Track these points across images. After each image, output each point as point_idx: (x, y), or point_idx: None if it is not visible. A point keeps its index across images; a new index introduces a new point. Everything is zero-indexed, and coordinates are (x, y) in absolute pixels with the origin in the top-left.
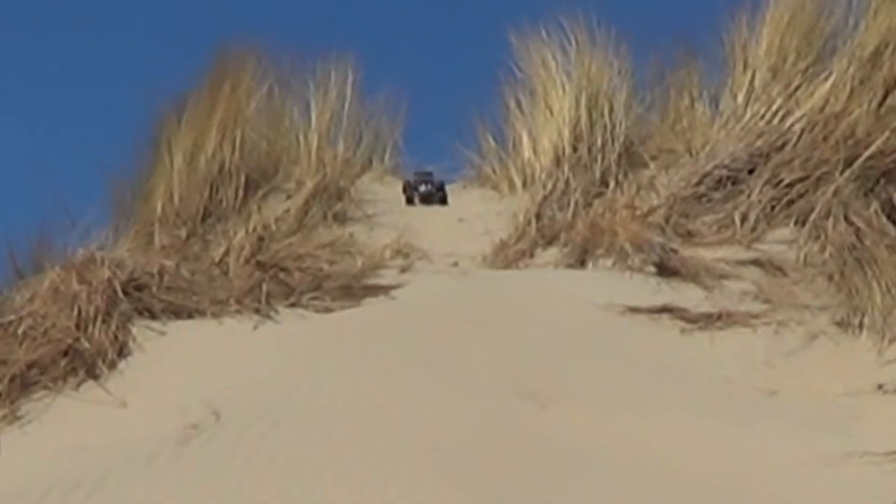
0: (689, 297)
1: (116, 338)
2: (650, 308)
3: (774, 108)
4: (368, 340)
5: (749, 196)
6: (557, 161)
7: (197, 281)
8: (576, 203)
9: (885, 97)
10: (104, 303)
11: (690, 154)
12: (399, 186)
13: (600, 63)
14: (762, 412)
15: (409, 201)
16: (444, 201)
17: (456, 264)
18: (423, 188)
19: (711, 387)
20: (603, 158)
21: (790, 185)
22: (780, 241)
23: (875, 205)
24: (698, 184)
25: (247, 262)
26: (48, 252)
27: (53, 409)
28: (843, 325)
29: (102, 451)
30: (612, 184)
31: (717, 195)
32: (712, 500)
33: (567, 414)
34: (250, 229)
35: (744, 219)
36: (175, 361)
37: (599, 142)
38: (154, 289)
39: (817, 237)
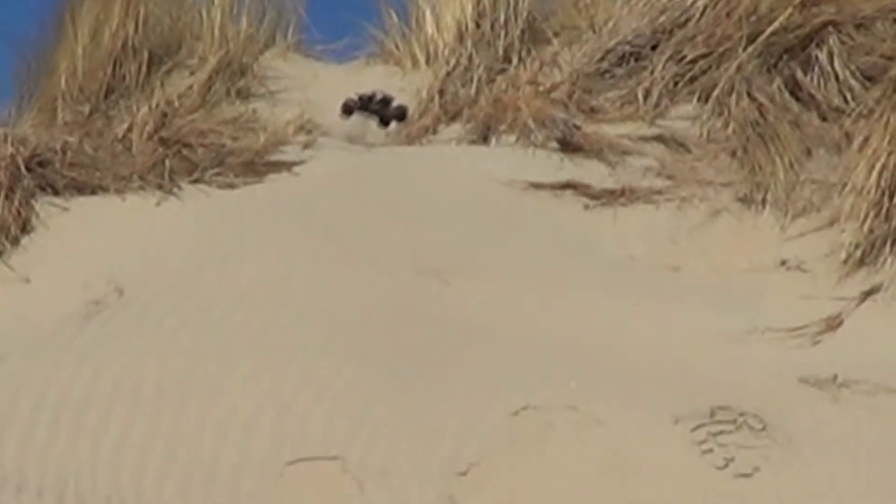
0: (593, 173)
1: (20, 213)
2: (553, 184)
3: None
4: (271, 217)
5: (652, 72)
6: (460, 37)
7: (100, 157)
8: (479, 79)
9: None
10: (7, 179)
11: (593, 30)
12: (302, 63)
13: None
14: (665, 288)
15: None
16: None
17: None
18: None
19: (614, 263)
20: (506, 34)
21: (693, 62)
22: (682, 118)
23: (778, 81)
24: (601, 60)
25: (150, 138)
26: None
27: None
28: (746, 201)
29: (5, 326)
30: (515, 60)
31: (619, 71)
32: (615, 376)
33: (470, 290)
34: (153, 106)
35: (647, 95)
36: (78, 237)
37: (502, 18)
38: (57, 165)
39: (720, 113)
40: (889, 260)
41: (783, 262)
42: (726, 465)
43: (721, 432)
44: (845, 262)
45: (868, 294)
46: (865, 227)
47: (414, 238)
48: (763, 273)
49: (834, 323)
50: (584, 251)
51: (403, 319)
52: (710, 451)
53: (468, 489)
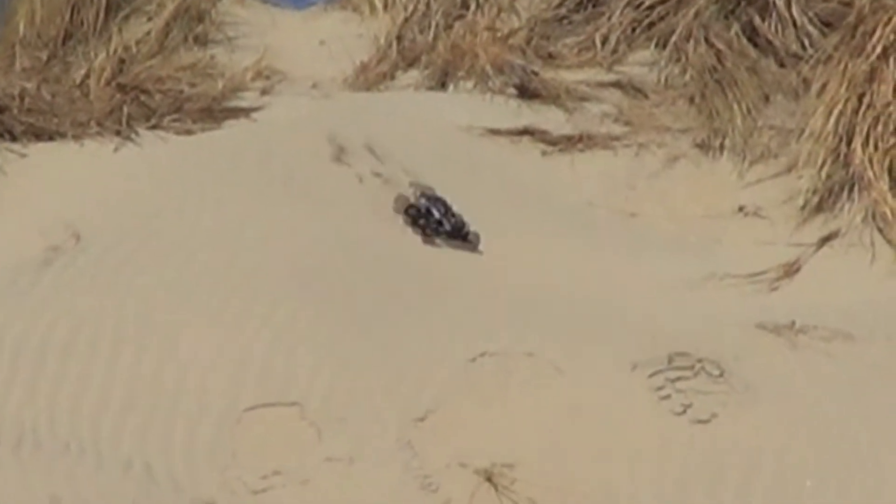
0: (550, 119)
1: None
2: (511, 130)
3: None
4: (230, 163)
5: (609, 18)
6: None
7: (58, 103)
8: (436, 25)
9: None
10: None
11: None
12: (260, 9)
13: None
14: (623, 235)
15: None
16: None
17: (315, 86)
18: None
19: (572, 209)
20: None
21: (651, 7)
22: (640, 64)
23: (735, 27)
24: (559, 6)
25: (107, 84)
26: None
27: None
28: (703, 147)
29: None
30: (472, 6)
31: (577, 17)
32: (573, 322)
33: None
34: (111, 52)
35: (604, 41)
36: (36, 183)
37: None
38: (15, 111)
39: (678, 59)
40: (846, 206)
41: (741, 209)
42: (684, 412)
43: (679, 378)
44: (803, 208)
45: (825, 240)
46: (823, 174)
47: (372, 184)
48: (721, 219)
49: (791, 269)
50: (542, 197)
51: (362, 266)
52: (668, 397)
53: (426, 435)
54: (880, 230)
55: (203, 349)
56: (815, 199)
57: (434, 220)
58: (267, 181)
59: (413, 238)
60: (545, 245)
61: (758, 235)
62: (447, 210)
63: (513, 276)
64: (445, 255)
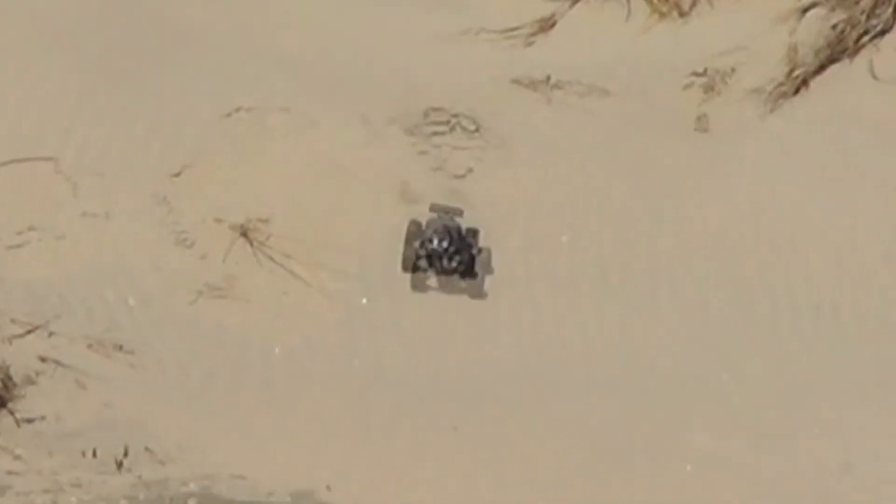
0: None
1: None
2: None
3: None
4: None
5: None
6: None
7: None
8: None
9: None
10: None
11: None
12: None
13: None
14: None
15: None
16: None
17: None
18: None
19: None
20: None
21: None
22: None
23: None
24: None
25: None
26: None
27: None
28: None
29: None
30: None
31: None
32: (329, 78)
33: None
34: None
35: None
36: None
37: None
38: None
39: None
40: None
41: None
42: (440, 167)
43: (435, 133)
44: None
45: None
46: None
47: None
48: None
49: (547, 24)
50: None
51: (115, 20)
52: (425, 152)
53: (181, 190)
54: None
55: None
56: None
57: (441, 265)
58: None
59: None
60: (298, 1)
61: None
62: (458, 247)
63: (269, 32)
64: (200, 10)
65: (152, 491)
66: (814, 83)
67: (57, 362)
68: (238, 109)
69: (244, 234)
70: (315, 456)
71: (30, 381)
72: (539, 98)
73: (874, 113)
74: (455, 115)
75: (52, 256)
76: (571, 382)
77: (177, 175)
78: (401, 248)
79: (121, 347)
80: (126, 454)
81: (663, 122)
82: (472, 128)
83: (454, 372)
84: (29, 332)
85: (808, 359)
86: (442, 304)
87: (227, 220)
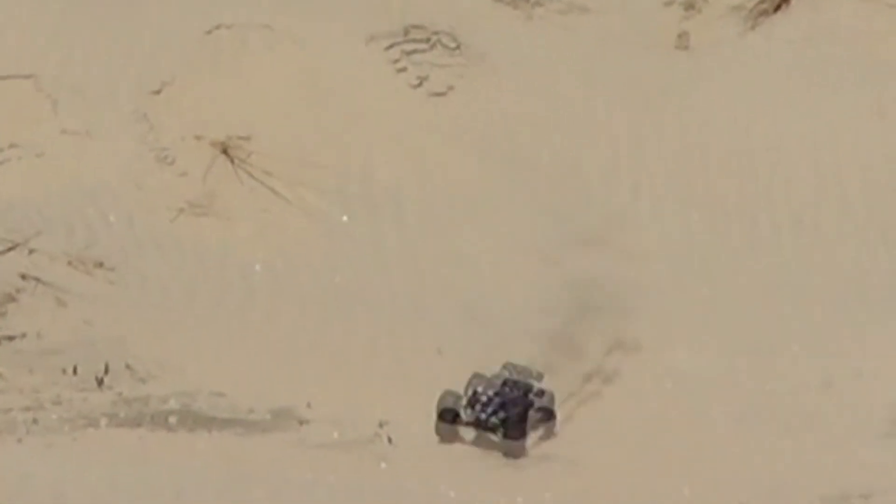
0: None
1: None
2: None
3: None
4: None
5: None
6: None
7: None
8: None
9: None
10: None
11: None
12: None
13: None
14: None
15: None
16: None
17: None
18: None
19: None
20: None
21: None
22: None
23: None
24: None
25: None
26: None
27: None
28: None
29: None
30: None
31: None
32: None
33: None
34: None
35: None
36: None
37: None
38: None
39: None
40: None
41: None
42: (420, 84)
43: (415, 51)
44: None
45: None
46: None
47: None
48: None
49: None
50: None
51: None
52: (405, 69)
53: (161, 107)
54: None
55: None
56: None
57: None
58: None
59: None
60: None
61: None
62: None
63: None
64: None
65: (133, 408)
66: (794, 0)
67: (37, 279)
68: (219, 26)
69: (225, 152)
70: (295, 373)
71: (10, 299)
72: (519, 15)
73: (853, 30)
74: (435, 33)
75: (32, 174)
76: (553, 302)
77: (157, 92)
78: (378, 171)
79: (101, 264)
80: (106, 371)
81: (644, 39)
82: (453, 45)
83: (436, 292)
84: (9, 249)
85: (788, 276)
86: (423, 225)
87: (207, 138)
